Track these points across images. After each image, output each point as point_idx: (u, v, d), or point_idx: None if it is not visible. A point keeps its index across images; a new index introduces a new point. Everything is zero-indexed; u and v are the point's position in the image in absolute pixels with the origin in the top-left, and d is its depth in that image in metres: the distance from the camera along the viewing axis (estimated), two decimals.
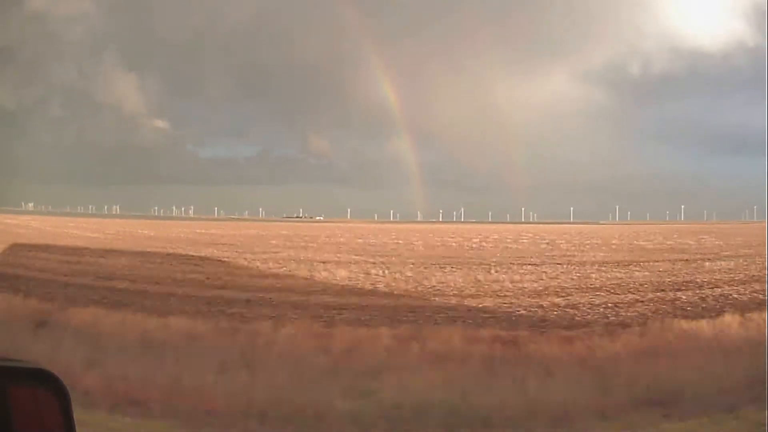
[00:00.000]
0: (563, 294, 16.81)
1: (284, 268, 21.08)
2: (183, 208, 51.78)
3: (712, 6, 40.66)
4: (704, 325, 11.49)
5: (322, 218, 53.44)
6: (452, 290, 17.36)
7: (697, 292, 16.78)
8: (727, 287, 17.16)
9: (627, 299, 16.12)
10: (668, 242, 31.04)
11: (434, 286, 17.97)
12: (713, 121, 48.19)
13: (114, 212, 50.13)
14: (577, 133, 43.52)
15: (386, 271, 20.13)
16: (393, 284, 18.20)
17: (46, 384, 2.31)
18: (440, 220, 50.33)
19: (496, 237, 34.17)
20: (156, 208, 50.77)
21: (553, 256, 24.58)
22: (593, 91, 45.84)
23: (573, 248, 27.67)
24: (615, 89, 45.28)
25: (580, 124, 43.36)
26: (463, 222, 48.93)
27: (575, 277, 19.27)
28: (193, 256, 23.67)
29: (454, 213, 50.82)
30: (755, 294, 15.86)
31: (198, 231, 36.28)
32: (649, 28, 44.00)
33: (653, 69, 42.43)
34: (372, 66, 40.17)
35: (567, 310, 15.04)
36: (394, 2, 42.71)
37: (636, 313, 14.51)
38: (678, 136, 47.12)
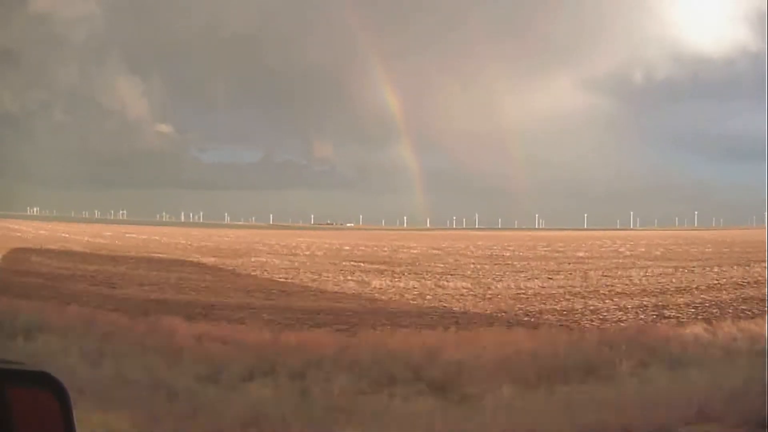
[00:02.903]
0: None
1: None
2: (191, 214, 52.19)
3: (714, 12, 41.00)
4: None
5: (352, 225, 53.94)
6: None
7: None
8: None
9: None
10: None
11: None
12: (717, 126, 47.73)
13: (121, 217, 50.07)
14: (582, 140, 43.91)
15: None
16: None
17: (48, 387, 2.32)
18: (453, 226, 51.73)
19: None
20: (163, 213, 50.54)
21: None
22: (597, 99, 46.80)
23: None
24: (619, 96, 46.02)
25: (585, 131, 43.99)
26: (476, 229, 53.57)
27: None
28: None
29: (464, 220, 52.60)
30: None
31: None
32: (652, 35, 44.26)
33: (657, 75, 42.81)
34: (378, 75, 41.69)
35: None
36: (400, 11, 43.68)
37: None
38: (682, 142, 47.26)
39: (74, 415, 2.31)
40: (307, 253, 30.39)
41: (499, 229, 52.06)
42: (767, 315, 13.55)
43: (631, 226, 46.23)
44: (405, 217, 54.23)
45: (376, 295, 17.94)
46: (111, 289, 19.75)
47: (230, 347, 12.10)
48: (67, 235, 35.53)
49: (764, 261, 19.34)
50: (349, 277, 21.58)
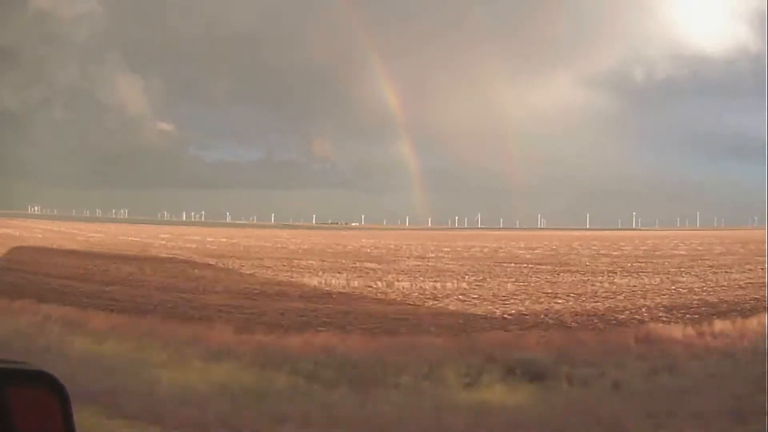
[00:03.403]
0: None
1: None
2: (193, 213, 49.54)
3: (714, 11, 41.43)
4: None
5: (357, 224, 52.89)
6: None
7: None
8: None
9: None
10: None
11: None
12: (717, 125, 46.36)
13: (122, 216, 46.83)
14: (582, 139, 44.51)
15: None
16: None
17: (47, 386, 2.31)
18: (456, 226, 52.08)
19: None
20: (164, 212, 48.12)
21: None
22: (598, 97, 46.88)
23: None
24: (619, 94, 46.30)
25: (585, 130, 44.44)
26: (479, 228, 55.72)
27: None
28: None
29: (466, 219, 53.12)
30: None
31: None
32: (652, 34, 44.26)
33: (657, 74, 42.54)
34: (378, 74, 40.49)
35: None
36: (400, 10, 43.61)
37: None
38: (682, 141, 46.39)
39: (74, 414, 2.31)
40: (434, 255, 30.18)
41: (501, 228, 54.99)
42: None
43: (633, 226, 47.66)
44: (407, 217, 54.85)
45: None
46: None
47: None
48: (133, 239, 30.41)
49: None
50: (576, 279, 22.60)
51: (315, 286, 19.55)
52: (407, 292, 19.04)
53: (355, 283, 20.07)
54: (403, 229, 54.11)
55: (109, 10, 38.40)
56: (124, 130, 42.56)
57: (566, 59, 45.85)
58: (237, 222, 50.08)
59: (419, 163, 44.11)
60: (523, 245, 35.82)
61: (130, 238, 29.85)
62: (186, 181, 46.72)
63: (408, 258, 28.09)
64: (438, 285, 20.89)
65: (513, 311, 17.70)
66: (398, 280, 21.68)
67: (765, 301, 18.07)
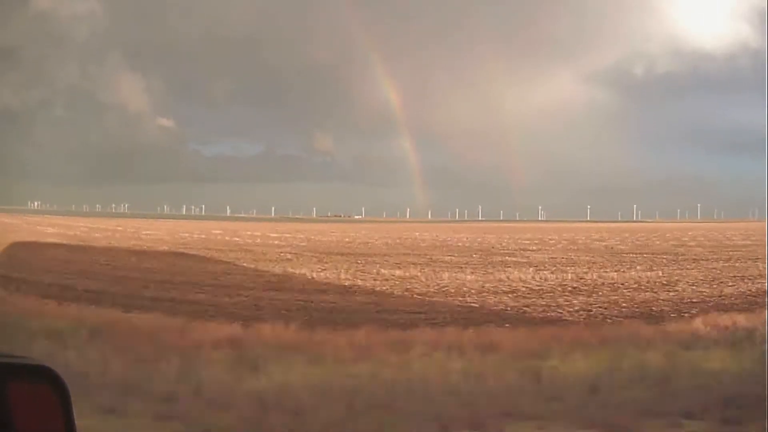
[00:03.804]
0: None
1: None
2: (193, 207, 48.87)
3: (715, 7, 41.50)
4: None
5: (359, 217, 52.30)
6: None
7: None
8: None
9: None
10: None
11: None
12: (717, 119, 45.81)
13: (122, 211, 47.42)
14: (583, 134, 44.37)
15: None
16: None
17: (47, 381, 2.31)
18: (456, 218, 52.25)
19: None
20: (165, 206, 47.82)
21: None
22: (598, 93, 47.02)
23: None
24: (620, 90, 46.27)
25: (586, 125, 44.22)
26: (480, 221, 54.80)
27: None
28: None
29: (466, 212, 53.38)
30: None
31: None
32: (652, 30, 44.58)
33: (657, 70, 42.88)
34: (378, 71, 41.26)
35: None
36: (400, 8, 43.09)
37: None
38: (683, 136, 46.03)
39: (73, 409, 2.31)
40: (535, 248, 28.90)
41: (501, 221, 55.26)
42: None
43: (634, 219, 48.60)
44: (408, 209, 54.25)
45: None
46: None
47: None
48: (200, 236, 25.64)
49: None
50: None
51: (535, 281, 17.53)
52: (620, 282, 17.67)
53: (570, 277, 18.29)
54: (405, 221, 53.08)
55: (109, 9, 38.45)
56: (125, 127, 42.56)
57: (567, 56, 46.50)
58: (237, 215, 49.60)
59: (419, 158, 43.42)
60: (585, 237, 35.72)
61: (195, 235, 25.07)
62: (187, 175, 46.41)
63: (523, 250, 26.52)
64: (637, 275, 19.72)
65: (733, 292, 17.18)
66: (585, 273, 20.07)
67: None
